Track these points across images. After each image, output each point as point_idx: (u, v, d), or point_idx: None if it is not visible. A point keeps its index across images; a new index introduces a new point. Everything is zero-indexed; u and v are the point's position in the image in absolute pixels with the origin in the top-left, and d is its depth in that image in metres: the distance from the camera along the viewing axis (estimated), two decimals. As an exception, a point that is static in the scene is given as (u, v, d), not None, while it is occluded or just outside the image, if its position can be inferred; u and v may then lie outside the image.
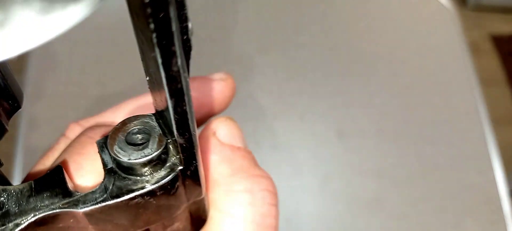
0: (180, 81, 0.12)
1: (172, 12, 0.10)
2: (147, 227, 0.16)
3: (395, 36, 0.58)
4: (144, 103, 0.20)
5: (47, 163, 0.18)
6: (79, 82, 0.51)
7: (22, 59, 0.52)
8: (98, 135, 0.18)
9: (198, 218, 0.18)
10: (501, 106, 1.39)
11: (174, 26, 0.10)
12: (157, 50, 0.11)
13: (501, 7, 1.58)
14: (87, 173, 0.16)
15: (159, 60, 0.11)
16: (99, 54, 0.53)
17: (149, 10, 0.10)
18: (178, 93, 0.12)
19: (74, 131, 0.20)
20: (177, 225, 0.17)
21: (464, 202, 0.48)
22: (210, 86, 0.21)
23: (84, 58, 0.53)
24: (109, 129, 0.18)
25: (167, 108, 0.13)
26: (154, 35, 0.10)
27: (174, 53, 0.11)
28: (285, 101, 0.52)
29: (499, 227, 0.48)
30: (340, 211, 0.47)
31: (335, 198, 0.48)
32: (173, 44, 0.11)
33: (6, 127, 0.15)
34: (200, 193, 0.17)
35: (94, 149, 0.17)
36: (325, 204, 0.48)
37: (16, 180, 0.47)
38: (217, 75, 0.21)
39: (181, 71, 0.12)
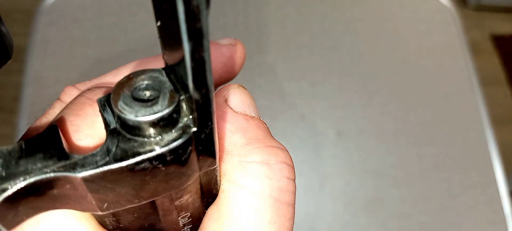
0: (200, 20, 0.10)
1: None
2: (153, 199, 0.14)
3: (395, 36, 0.58)
4: (146, 65, 0.19)
5: (41, 128, 0.17)
6: (79, 82, 0.51)
7: (21, 59, 0.52)
8: (97, 95, 0.16)
9: (209, 191, 0.16)
10: (501, 106, 1.39)
11: None
12: None
13: (502, 7, 1.57)
14: (85, 136, 0.15)
15: None
16: (99, 54, 0.53)
17: None
18: (197, 35, 0.11)
19: (70, 94, 0.18)
20: (186, 198, 0.16)
21: (464, 202, 0.48)
22: (219, 52, 0.19)
23: (84, 58, 0.53)
24: (109, 89, 0.16)
25: (180, 60, 0.12)
26: None
27: None
28: (285, 101, 0.52)
29: (499, 227, 0.48)
30: (340, 211, 0.47)
31: (335, 198, 0.48)
32: None
33: None
34: (214, 161, 0.15)
35: (94, 110, 0.15)
36: (325, 203, 0.48)
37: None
38: (226, 40, 0.20)
39: (202, 7, 0.10)
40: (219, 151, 0.16)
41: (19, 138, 0.50)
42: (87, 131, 0.15)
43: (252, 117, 0.17)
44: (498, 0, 1.56)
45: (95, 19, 0.55)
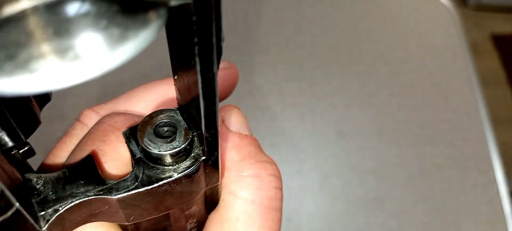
0: (213, 85, 0.13)
1: (214, 28, 0.11)
2: (168, 211, 0.18)
3: (395, 36, 0.58)
4: (154, 92, 0.21)
5: (66, 148, 0.19)
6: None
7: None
8: (118, 123, 0.19)
9: (212, 201, 0.20)
10: (501, 107, 1.39)
11: (214, 39, 0.12)
12: (197, 60, 0.12)
13: (502, 7, 1.57)
14: (110, 160, 0.17)
15: (198, 68, 0.12)
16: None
17: (195, 27, 0.11)
18: (211, 96, 0.14)
19: (89, 117, 0.21)
20: (194, 208, 0.19)
21: (464, 202, 0.48)
22: None
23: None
24: (127, 117, 0.19)
25: (192, 104, 0.15)
26: (196, 47, 0.12)
27: (212, 62, 0.12)
28: (285, 101, 0.52)
29: (499, 227, 0.48)
30: (340, 211, 0.47)
31: (335, 198, 0.48)
32: (212, 54, 0.12)
33: (40, 118, 0.17)
34: (218, 179, 0.18)
35: (116, 136, 0.18)
36: (325, 203, 0.48)
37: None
38: (221, 64, 0.22)
39: (215, 76, 0.13)
40: (221, 167, 0.19)
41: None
42: (112, 155, 0.18)
43: (246, 135, 0.20)
44: (498, 0, 1.56)
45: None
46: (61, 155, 0.19)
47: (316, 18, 0.58)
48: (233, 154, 0.19)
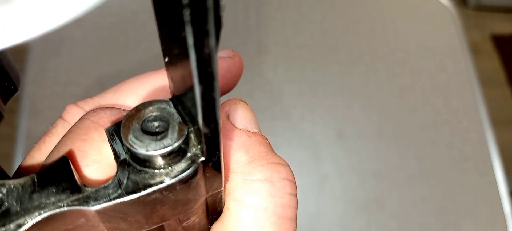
0: (211, 65, 0.11)
1: None
2: (162, 223, 0.15)
3: (395, 36, 0.58)
4: (146, 83, 0.19)
5: (45, 149, 0.17)
6: (79, 82, 0.51)
7: (22, 59, 0.52)
8: (102, 118, 0.16)
9: (214, 209, 0.17)
10: (501, 107, 1.39)
11: (210, 2, 0.09)
12: (189, 29, 0.10)
13: (502, 7, 1.57)
14: (93, 162, 0.15)
15: (191, 41, 0.10)
16: (99, 54, 0.53)
17: None
18: (208, 79, 0.11)
19: (72, 113, 0.18)
20: (193, 219, 0.16)
21: (465, 203, 0.48)
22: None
23: (84, 58, 0.53)
24: (113, 112, 0.16)
25: (187, 94, 0.12)
26: (186, 11, 0.09)
27: (207, 33, 0.10)
28: (285, 101, 0.52)
29: (499, 227, 0.48)
30: (339, 212, 0.47)
31: (335, 199, 0.48)
32: (206, 22, 0.10)
33: (3, 112, 0.14)
34: (220, 184, 0.15)
35: (99, 134, 0.15)
36: (325, 204, 0.48)
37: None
38: (224, 53, 0.20)
39: (213, 53, 0.10)
40: (224, 170, 0.16)
41: (19, 139, 0.49)
42: (94, 156, 0.15)
43: (254, 133, 0.17)
44: (498, 0, 1.56)
45: (95, 19, 0.55)
46: (39, 158, 0.17)
47: (316, 18, 0.58)
48: (240, 154, 0.16)
